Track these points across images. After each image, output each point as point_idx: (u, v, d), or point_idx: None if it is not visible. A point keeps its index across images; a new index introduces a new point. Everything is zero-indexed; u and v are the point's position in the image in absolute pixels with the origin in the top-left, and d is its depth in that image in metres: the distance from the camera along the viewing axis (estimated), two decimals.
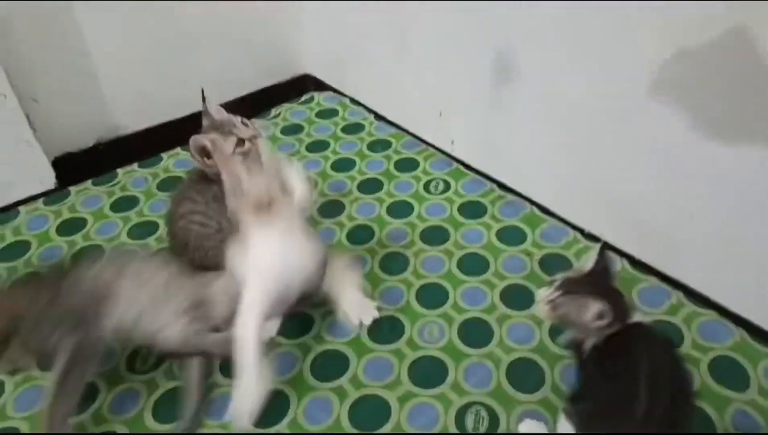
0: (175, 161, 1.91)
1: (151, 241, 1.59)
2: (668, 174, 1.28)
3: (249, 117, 2.09)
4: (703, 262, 1.31)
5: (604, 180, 1.43)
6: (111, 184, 1.82)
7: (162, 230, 1.62)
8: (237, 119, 1.32)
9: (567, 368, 1.18)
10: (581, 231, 1.54)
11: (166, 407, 1.16)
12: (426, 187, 1.74)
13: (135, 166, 1.89)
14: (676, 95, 1.19)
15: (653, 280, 1.38)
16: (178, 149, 1.97)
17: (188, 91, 2.05)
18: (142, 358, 1.26)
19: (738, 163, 1.14)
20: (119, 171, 1.87)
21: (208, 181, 1.32)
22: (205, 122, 1.35)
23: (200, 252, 1.34)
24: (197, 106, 2.07)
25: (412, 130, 1.98)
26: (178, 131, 2.01)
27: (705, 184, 1.21)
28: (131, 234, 1.62)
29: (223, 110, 1.36)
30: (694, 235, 1.28)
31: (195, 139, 1.25)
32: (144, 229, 1.63)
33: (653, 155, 1.28)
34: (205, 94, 1.39)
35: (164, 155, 1.94)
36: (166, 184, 1.80)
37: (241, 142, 1.24)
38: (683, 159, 1.23)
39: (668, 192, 1.30)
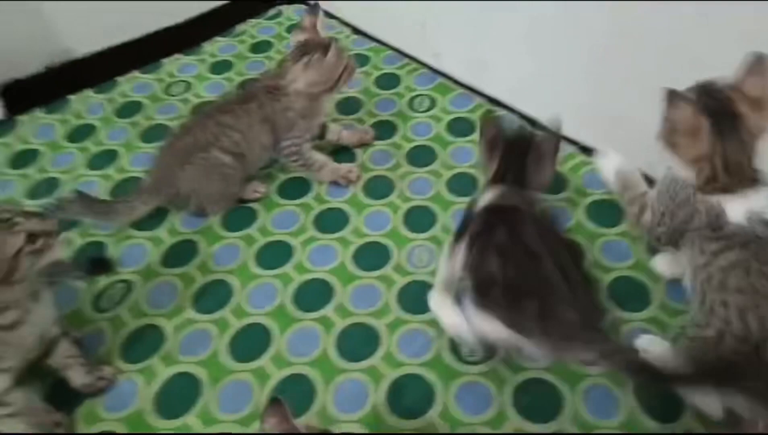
0: (133, 85, 1.74)
1: (111, 171, 1.45)
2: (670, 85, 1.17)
3: (211, 36, 1.96)
4: None
5: (600, 92, 1.32)
6: (64, 111, 1.65)
7: (123, 158, 1.48)
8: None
9: None
10: (576, 144, 1.44)
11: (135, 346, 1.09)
12: (410, 104, 1.61)
13: (89, 91, 1.72)
14: None
15: None
16: (136, 72, 1.79)
17: (144, 9, 1.86)
18: (108, 297, 1.17)
19: None
20: (72, 97, 1.70)
21: (259, 102, 1.27)
22: (303, 36, 1.29)
23: (204, 163, 1.24)
24: (154, 26, 1.90)
25: (392, 43, 1.82)
26: (135, 53, 1.85)
27: None
28: (90, 164, 1.48)
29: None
30: None
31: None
32: (104, 159, 1.49)
33: (653, 66, 1.17)
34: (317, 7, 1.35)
35: (120, 79, 1.76)
36: (124, 111, 1.64)
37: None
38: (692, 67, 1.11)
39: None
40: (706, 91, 0.84)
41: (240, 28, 1.98)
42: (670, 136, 0.86)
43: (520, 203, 0.95)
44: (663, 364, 0.93)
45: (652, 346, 1.00)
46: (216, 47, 1.89)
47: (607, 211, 1.27)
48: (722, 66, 1.05)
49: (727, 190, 0.84)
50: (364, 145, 1.48)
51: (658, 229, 0.95)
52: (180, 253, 1.25)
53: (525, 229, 0.88)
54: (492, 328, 0.85)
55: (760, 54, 0.80)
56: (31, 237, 0.83)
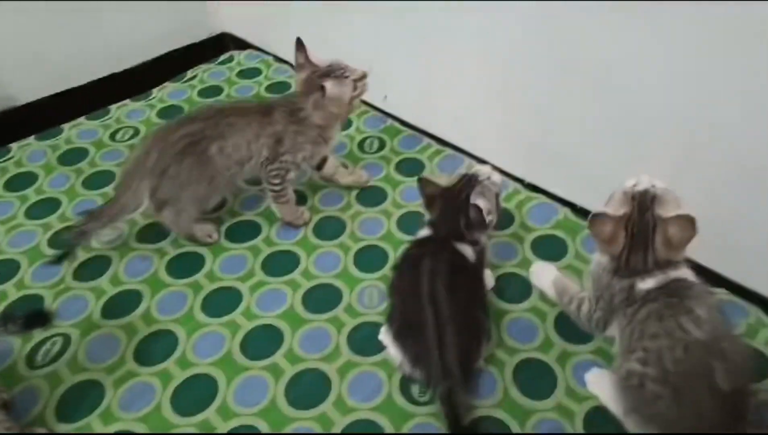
0: (78, 132, 1.71)
1: (53, 220, 1.40)
2: (611, 122, 1.23)
3: (162, 81, 1.95)
4: None
5: (544, 129, 1.37)
6: (4, 159, 1.60)
7: (66, 207, 1.44)
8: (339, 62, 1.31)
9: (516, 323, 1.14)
10: (521, 181, 1.49)
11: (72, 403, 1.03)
12: (360, 146, 1.63)
13: (31, 139, 1.68)
14: None
15: None
16: (82, 119, 1.76)
17: (90, 55, 1.85)
18: (43, 352, 1.11)
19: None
20: (13, 145, 1.65)
21: (276, 118, 1.28)
22: (303, 72, 1.30)
23: (199, 156, 1.23)
24: (101, 72, 1.89)
25: None
26: (82, 100, 1.82)
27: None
28: (29, 214, 1.43)
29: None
30: None
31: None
32: (44, 208, 1.44)
33: (594, 103, 1.23)
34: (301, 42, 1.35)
35: (65, 126, 1.73)
36: (68, 157, 1.60)
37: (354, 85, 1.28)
38: (631, 104, 1.18)
39: (610, 139, 1.25)
40: (639, 206, 0.92)
41: (191, 73, 1.98)
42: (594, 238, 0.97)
43: (433, 253, 1.04)
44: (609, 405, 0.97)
45: (602, 383, 1.01)
46: (165, 93, 1.88)
47: (552, 245, 1.30)
48: (659, 104, 1.13)
49: (636, 275, 0.93)
50: (356, 187, 1.48)
51: (596, 314, 1.02)
52: (122, 304, 1.20)
53: (422, 281, 0.99)
54: (397, 355, 1.03)
55: (689, 217, 0.87)
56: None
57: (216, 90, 1.89)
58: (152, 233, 1.35)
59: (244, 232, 1.37)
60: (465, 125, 1.57)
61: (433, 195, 1.10)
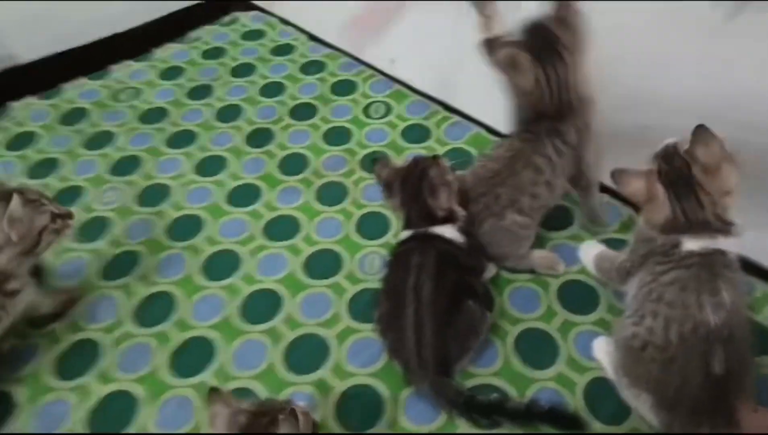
0: (79, 92, 1.68)
1: (52, 180, 1.39)
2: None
3: (165, 42, 1.91)
4: None
5: None
6: (4, 118, 1.58)
7: (66, 167, 1.42)
8: None
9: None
10: None
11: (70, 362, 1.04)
12: (365, 111, 1.59)
13: (33, 98, 1.65)
14: None
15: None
16: (83, 79, 1.73)
17: (92, 15, 1.80)
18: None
19: None
20: (14, 104, 1.63)
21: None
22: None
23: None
24: (103, 32, 1.84)
25: (348, 49, 1.81)
26: (84, 59, 1.79)
27: None
28: (30, 174, 1.41)
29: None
30: None
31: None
32: (45, 168, 1.43)
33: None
34: None
35: (67, 86, 1.70)
36: (69, 117, 1.58)
37: None
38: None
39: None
40: (664, 158, 0.85)
41: (194, 34, 1.94)
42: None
43: (421, 247, 1.00)
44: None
45: (605, 350, 1.00)
46: (168, 53, 1.85)
47: (557, 216, 1.27)
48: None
49: (688, 232, 0.86)
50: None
51: (625, 263, 0.96)
52: (121, 265, 1.19)
53: (410, 275, 0.96)
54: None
55: (702, 125, 0.81)
56: (54, 217, 0.97)
57: (220, 51, 1.85)
58: (152, 195, 1.34)
59: (244, 196, 1.34)
60: (474, 92, 1.52)
61: (390, 179, 1.05)
